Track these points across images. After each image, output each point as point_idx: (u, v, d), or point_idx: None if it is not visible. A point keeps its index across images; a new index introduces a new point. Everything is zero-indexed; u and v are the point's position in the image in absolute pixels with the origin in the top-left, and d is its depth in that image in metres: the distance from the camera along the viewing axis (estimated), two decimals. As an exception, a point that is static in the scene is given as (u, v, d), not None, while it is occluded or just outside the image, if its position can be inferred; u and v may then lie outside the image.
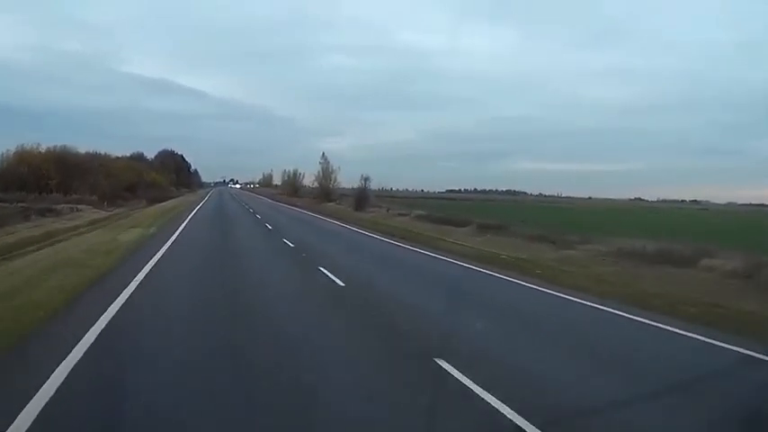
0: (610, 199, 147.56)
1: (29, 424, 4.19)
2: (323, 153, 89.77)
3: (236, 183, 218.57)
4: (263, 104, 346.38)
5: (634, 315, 9.33)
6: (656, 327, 8.52)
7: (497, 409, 4.71)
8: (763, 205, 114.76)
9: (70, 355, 5.84)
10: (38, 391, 4.80)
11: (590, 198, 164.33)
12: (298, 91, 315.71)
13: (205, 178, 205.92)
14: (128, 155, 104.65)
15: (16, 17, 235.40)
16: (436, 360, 5.89)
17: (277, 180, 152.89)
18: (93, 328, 6.99)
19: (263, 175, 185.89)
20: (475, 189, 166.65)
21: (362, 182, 59.87)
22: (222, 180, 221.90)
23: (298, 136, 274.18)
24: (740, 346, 7.21)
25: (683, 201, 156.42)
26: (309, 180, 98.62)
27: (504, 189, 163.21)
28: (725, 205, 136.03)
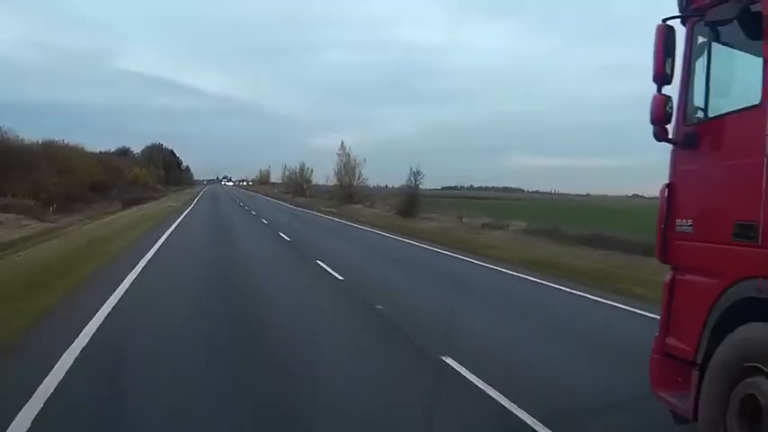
0: (605, 195, 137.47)
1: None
2: (342, 143, 67.60)
3: (230, 180, 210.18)
4: (260, 101, 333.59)
5: None
6: None
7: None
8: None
9: None
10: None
11: (588, 195, 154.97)
12: (295, 87, 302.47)
13: (198, 176, 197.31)
14: (112, 150, 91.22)
15: (12, 13, 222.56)
16: None
17: (275, 177, 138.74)
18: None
19: (260, 171, 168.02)
20: (471, 186, 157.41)
21: (411, 178, 42.61)
22: (216, 178, 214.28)
23: (294, 133, 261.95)
24: None
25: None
26: (317, 177, 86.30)
27: (502, 186, 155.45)
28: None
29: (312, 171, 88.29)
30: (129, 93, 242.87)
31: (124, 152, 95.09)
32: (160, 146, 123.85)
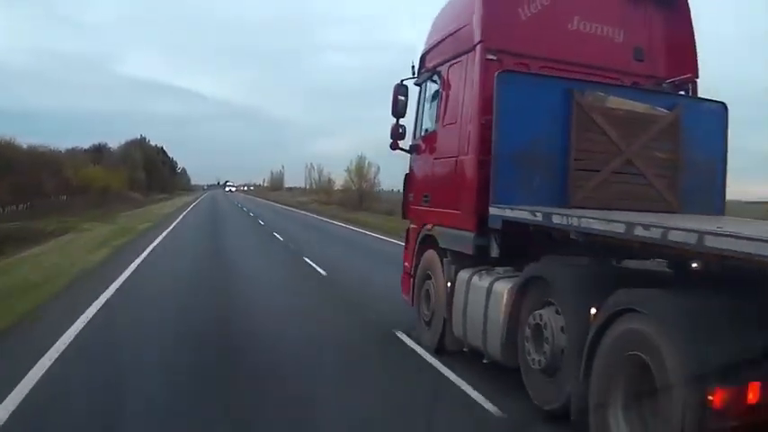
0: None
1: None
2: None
3: (233, 185, 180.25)
4: (259, 105, 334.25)
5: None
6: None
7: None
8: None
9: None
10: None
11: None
12: (294, 91, 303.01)
13: (198, 180, 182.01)
14: (84, 147, 73.41)
15: (10, 18, 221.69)
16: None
17: (292, 181, 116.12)
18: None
19: (272, 173, 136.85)
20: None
21: None
22: (217, 182, 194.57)
23: (294, 137, 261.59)
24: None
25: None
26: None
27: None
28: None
29: (379, 169, 48.49)
30: (126, 97, 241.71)
31: (98, 149, 78.23)
32: (143, 141, 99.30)
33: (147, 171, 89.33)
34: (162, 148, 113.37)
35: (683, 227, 3.34)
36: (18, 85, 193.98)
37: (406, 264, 7.30)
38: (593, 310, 4.00)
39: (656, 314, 3.42)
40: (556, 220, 4.32)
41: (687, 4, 6.48)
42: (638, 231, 3.57)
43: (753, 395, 3.23)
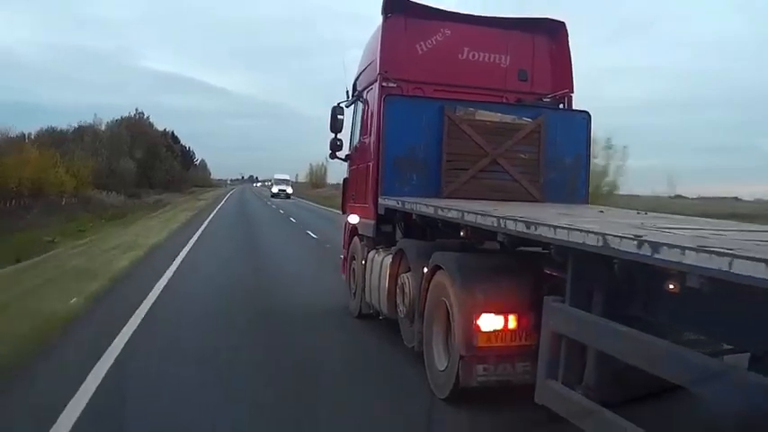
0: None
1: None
2: None
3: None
4: (282, 102, 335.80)
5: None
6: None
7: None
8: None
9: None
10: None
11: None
12: (317, 87, 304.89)
13: (219, 174, 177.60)
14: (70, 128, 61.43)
15: (27, 13, 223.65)
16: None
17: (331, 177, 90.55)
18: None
19: (311, 167, 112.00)
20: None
21: None
22: (241, 176, 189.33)
23: (316, 133, 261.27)
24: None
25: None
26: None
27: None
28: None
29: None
30: (147, 92, 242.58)
31: (79, 131, 63.16)
32: (140, 119, 74.12)
33: (142, 160, 66.09)
34: (172, 132, 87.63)
35: (456, 207, 5.19)
36: (35, 79, 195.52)
37: (344, 249, 9.23)
38: (425, 270, 5.83)
39: (449, 269, 5.27)
40: (407, 206, 6.21)
41: (566, 32, 8.13)
42: (440, 212, 5.44)
43: (514, 323, 4.89)
